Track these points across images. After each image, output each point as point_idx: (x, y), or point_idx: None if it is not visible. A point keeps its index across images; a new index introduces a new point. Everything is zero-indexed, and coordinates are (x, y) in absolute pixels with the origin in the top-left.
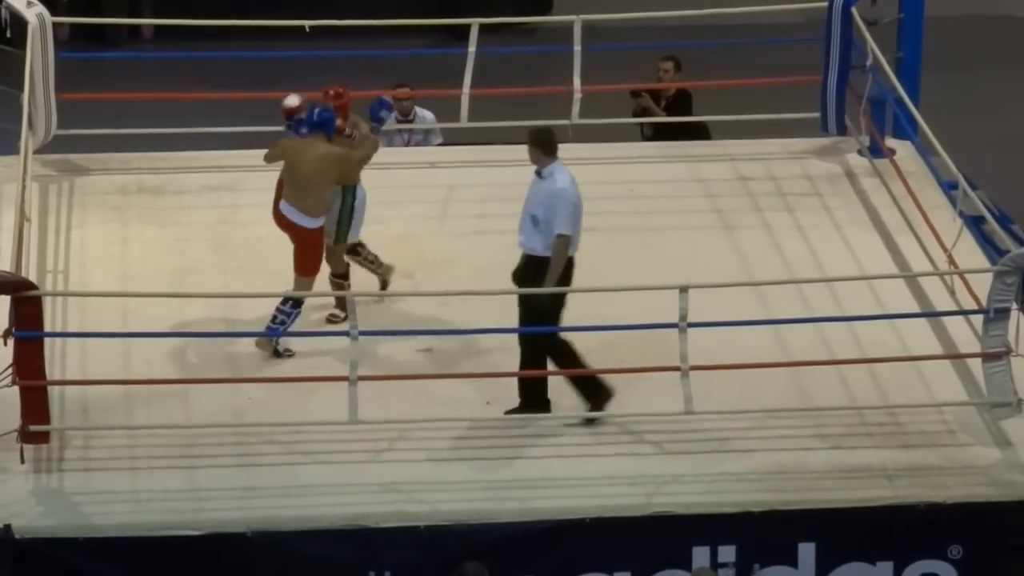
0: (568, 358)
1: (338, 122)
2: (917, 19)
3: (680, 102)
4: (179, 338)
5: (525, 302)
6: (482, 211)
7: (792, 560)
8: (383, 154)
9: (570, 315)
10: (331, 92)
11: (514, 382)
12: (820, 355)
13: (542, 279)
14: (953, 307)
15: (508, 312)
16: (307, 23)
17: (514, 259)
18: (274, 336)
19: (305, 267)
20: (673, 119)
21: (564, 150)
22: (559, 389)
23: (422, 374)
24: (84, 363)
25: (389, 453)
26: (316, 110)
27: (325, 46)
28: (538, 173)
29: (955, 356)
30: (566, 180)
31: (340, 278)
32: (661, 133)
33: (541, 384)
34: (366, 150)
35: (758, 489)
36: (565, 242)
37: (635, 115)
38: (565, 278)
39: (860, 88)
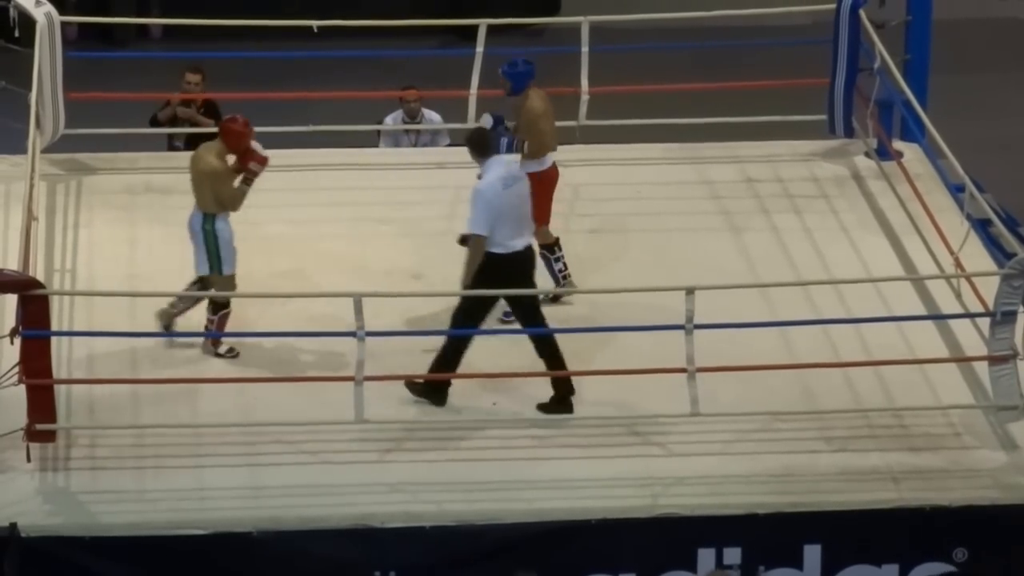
0: (449, 362)
1: None
2: (925, 22)
3: (209, 110)
4: (186, 337)
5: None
6: None
7: (797, 562)
8: (390, 155)
9: (575, 316)
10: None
11: (521, 382)
12: (826, 357)
13: (478, 278)
14: (960, 310)
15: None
16: (315, 23)
17: None
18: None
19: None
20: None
21: (571, 151)
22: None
23: (428, 374)
24: (91, 362)
25: (395, 453)
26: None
27: (333, 46)
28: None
29: (961, 359)
30: (488, 178)
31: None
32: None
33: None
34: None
35: (764, 491)
36: (478, 244)
37: (168, 123)
38: (498, 279)
39: (868, 90)
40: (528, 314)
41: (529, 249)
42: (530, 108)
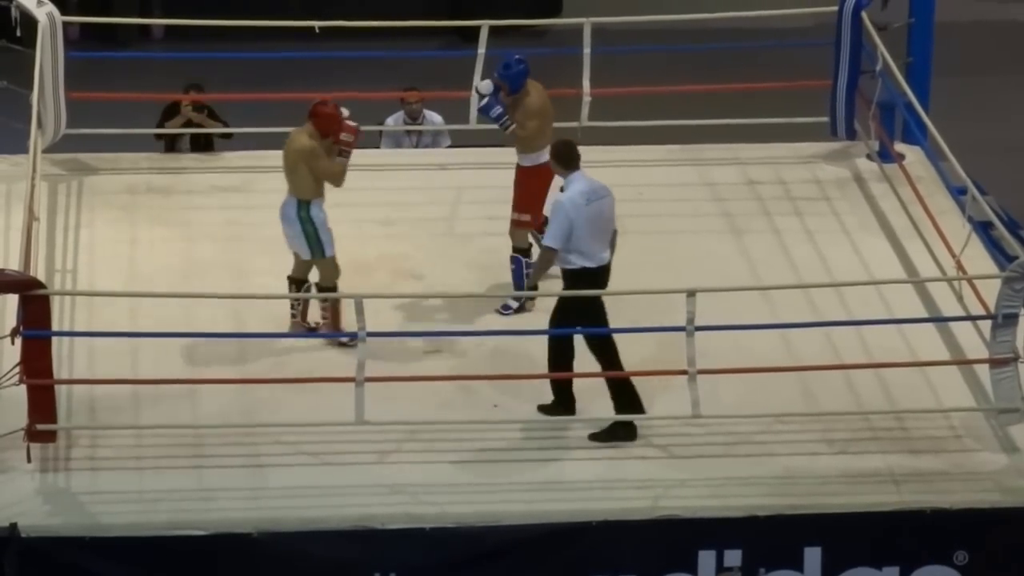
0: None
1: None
2: (927, 24)
3: (208, 113)
4: (187, 338)
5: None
6: (491, 213)
7: (798, 564)
8: (392, 156)
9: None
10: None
11: (522, 384)
12: (828, 359)
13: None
14: (961, 312)
15: (514, 314)
16: (317, 24)
17: None
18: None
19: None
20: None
21: None
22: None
23: (429, 375)
24: (91, 362)
25: (396, 454)
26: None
27: (334, 47)
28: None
29: (963, 362)
30: (570, 192)
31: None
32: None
33: (565, 384)
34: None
35: (764, 493)
36: (546, 255)
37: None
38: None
39: (870, 93)
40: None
41: (608, 264)
42: (526, 104)
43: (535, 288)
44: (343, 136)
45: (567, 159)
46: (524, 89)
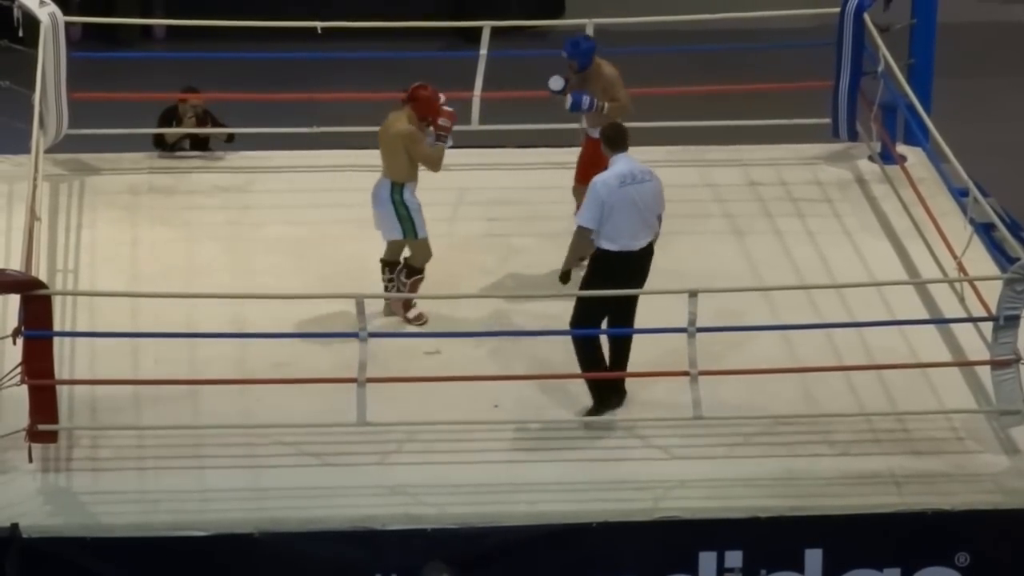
0: (588, 360)
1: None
2: (929, 25)
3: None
4: (188, 338)
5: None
6: (492, 214)
7: (799, 566)
8: None
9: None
10: None
11: (521, 385)
12: (829, 361)
13: (590, 272)
14: (963, 314)
15: (515, 315)
16: (318, 24)
17: (523, 261)
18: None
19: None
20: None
21: (574, 154)
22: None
23: (430, 376)
24: (93, 363)
25: (397, 455)
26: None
27: (336, 48)
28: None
29: (964, 363)
30: (606, 174)
31: None
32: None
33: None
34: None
35: (766, 495)
36: (579, 233)
37: (177, 141)
38: (610, 276)
39: (871, 94)
40: (621, 314)
41: (644, 249)
42: (609, 75)
43: (568, 270)
44: (441, 121)
45: (613, 140)
46: (595, 63)
